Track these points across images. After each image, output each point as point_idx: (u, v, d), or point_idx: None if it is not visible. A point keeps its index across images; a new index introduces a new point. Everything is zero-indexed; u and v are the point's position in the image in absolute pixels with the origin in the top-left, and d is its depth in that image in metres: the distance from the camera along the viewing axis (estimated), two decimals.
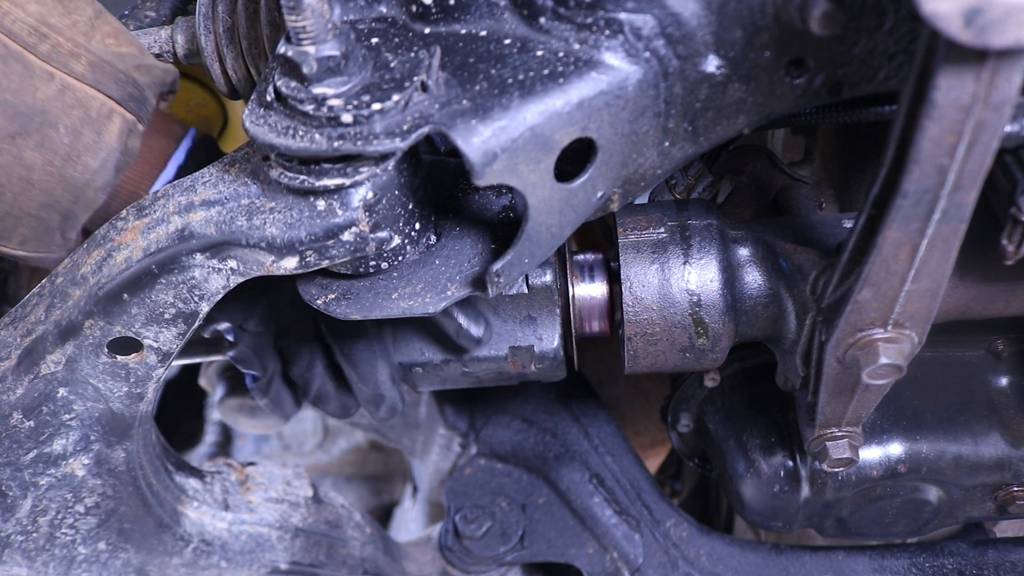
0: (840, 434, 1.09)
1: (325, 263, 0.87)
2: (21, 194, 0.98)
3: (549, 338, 1.11)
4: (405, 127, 0.77)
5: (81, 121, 0.96)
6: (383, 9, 0.89)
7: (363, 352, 1.14)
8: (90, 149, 0.98)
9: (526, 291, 1.08)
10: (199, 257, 0.90)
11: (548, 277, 1.07)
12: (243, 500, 1.29)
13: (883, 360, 0.88)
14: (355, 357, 1.14)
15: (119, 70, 0.99)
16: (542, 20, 0.83)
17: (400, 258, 0.92)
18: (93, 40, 0.99)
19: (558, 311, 1.10)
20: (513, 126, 0.76)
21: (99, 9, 1.02)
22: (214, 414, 2.21)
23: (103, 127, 0.98)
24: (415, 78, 0.78)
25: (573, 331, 1.12)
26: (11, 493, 1.08)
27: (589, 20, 0.81)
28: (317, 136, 0.78)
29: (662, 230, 1.04)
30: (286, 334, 1.17)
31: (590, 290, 1.11)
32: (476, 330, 1.09)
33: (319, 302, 0.94)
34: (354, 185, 0.82)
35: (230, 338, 1.18)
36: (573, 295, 1.10)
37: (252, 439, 2.26)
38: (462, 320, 1.08)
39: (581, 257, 1.12)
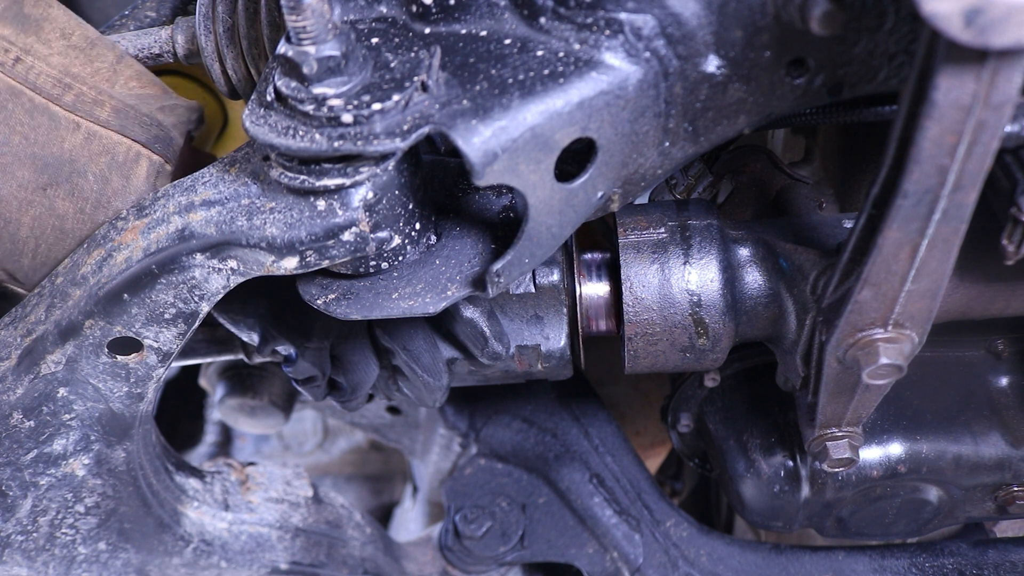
0: (840, 434, 1.09)
1: (325, 263, 0.87)
2: (56, 244, 1.00)
3: (556, 337, 1.11)
4: (405, 127, 0.77)
5: (109, 167, 0.99)
6: (383, 9, 0.89)
7: (423, 347, 1.13)
8: (119, 194, 1.00)
9: (533, 290, 1.07)
10: (199, 257, 0.90)
11: (555, 276, 1.07)
12: (243, 500, 1.29)
13: (883, 360, 0.88)
14: (417, 352, 1.13)
15: (143, 113, 1.01)
16: (542, 20, 0.83)
17: (400, 258, 0.92)
18: (116, 85, 1.01)
19: (565, 310, 1.10)
20: (513, 126, 0.76)
21: (120, 54, 1.04)
22: (214, 414, 2.21)
23: (131, 171, 1.00)
24: (415, 78, 0.78)
25: (580, 330, 1.12)
26: (11, 493, 1.08)
27: (589, 20, 0.81)
28: (317, 136, 0.78)
29: (662, 230, 1.04)
30: (340, 340, 1.17)
31: (597, 289, 1.11)
32: (500, 347, 1.09)
33: (319, 302, 0.94)
34: (354, 185, 0.82)
35: (290, 356, 1.17)
36: (580, 294, 1.10)
37: (252, 439, 2.26)
38: (491, 336, 1.08)
39: (589, 256, 1.12)
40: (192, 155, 1.14)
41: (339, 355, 1.17)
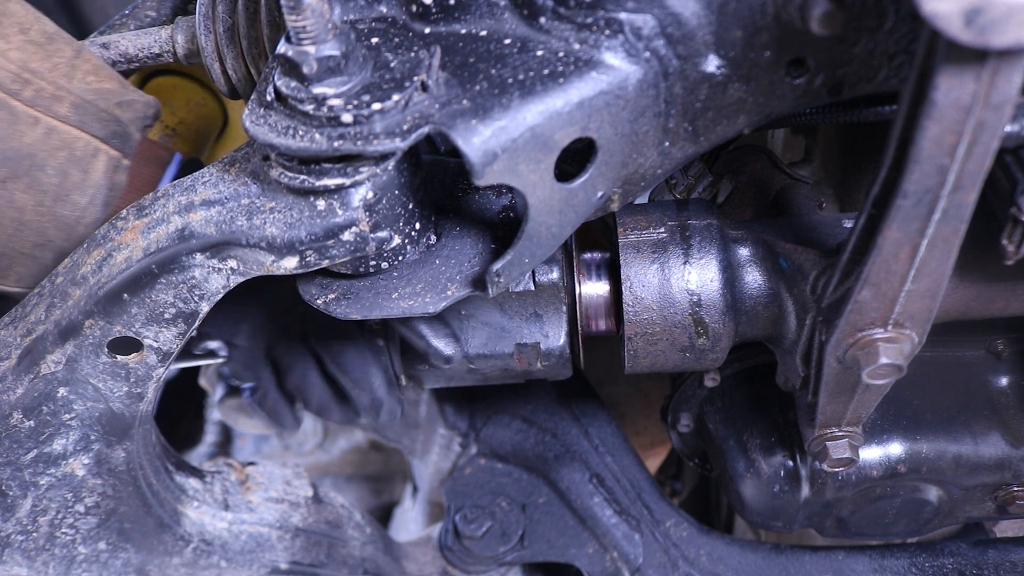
0: (840, 434, 1.09)
1: (325, 263, 0.87)
2: (15, 235, 1.01)
3: (555, 335, 1.11)
4: (405, 127, 0.77)
5: (68, 161, 1.00)
6: (383, 9, 0.89)
7: (354, 359, 1.13)
8: (78, 187, 1.01)
9: (533, 288, 1.08)
10: (199, 257, 0.90)
11: (555, 274, 1.07)
12: (243, 500, 1.29)
13: (883, 360, 0.88)
14: (347, 364, 1.13)
15: (101, 109, 1.02)
16: (542, 20, 0.83)
17: (400, 258, 0.92)
18: (74, 80, 1.01)
19: (565, 309, 1.10)
20: (513, 126, 0.76)
21: (78, 48, 1.04)
22: (214, 414, 2.21)
23: (89, 165, 1.01)
24: (415, 78, 0.78)
25: (580, 329, 1.12)
26: (11, 493, 1.08)
27: (589, 20, 0.81)
28: (317, 136, 0.78)
29: (662, 230, 1.04)
30: (277, 345, 1.17)
31: (597, 288, 1.11)
32: (446, 349, 1.09)
33: (319, 302, 0.94)
34: (354, 185, 0.82)
35: (223, 354, 1.18)
36: (580, 293, 1.10)
37: (252, 439, 2.26)
38: (431, 338, 1.08)
39: (588, 256, 1.12)
40: (148, 147, 1.15)
41: (278, 358, 1.17)
